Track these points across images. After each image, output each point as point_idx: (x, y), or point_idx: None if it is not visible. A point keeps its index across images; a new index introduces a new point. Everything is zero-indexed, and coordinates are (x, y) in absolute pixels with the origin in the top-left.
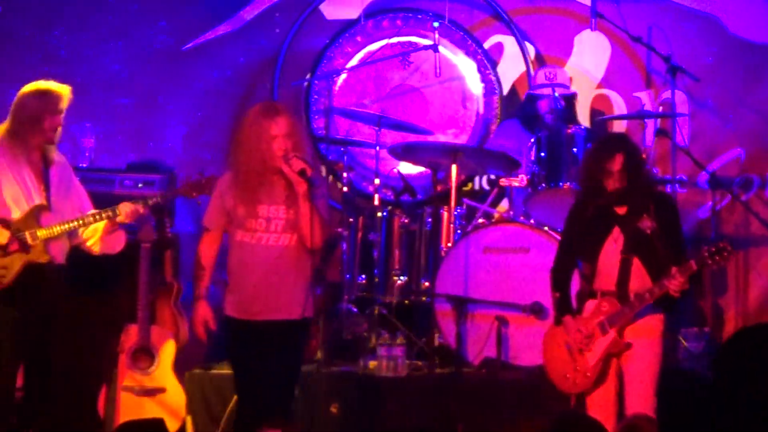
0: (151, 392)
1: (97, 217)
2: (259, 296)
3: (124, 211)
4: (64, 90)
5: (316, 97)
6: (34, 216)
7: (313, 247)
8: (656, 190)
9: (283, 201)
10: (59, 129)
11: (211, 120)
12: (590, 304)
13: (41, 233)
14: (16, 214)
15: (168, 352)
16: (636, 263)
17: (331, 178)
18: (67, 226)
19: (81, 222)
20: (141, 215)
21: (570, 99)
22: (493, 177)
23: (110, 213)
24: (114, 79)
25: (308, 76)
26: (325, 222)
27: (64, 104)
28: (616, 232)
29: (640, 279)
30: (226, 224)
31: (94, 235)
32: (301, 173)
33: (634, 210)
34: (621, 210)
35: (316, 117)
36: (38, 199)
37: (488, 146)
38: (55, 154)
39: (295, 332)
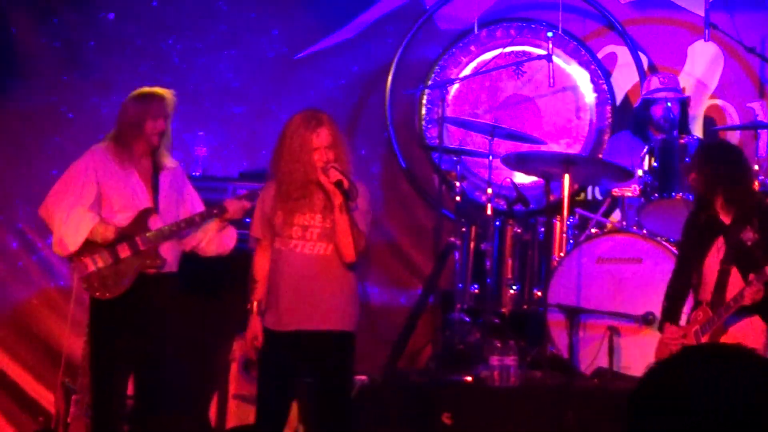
0: None
1: (204, 214)
2: (292, 305)
3: (230, 207)
4: (165, 94)
5: (429, 106)
6: (143, 220)
7: (347, 260)
8: (763, 201)
9: (320, 210)
10: (164, 133)
11: None
12: (694, 314)
13: (151, 235)
14: (125, 221)
15: None
16: (734, 274)
17: (444, 187)
18: (176, 226)
19: (189, 221)
20: (247, 210)
21: (684, 105)
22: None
23: (216, 210)
24: (226, 87)
25: (421, 86)
26: (361, 235)
27: (166, 108)
28: (720, 242)
29: (738, 289)
30: (272, 233)
31: (206, 236)
32: (338, 184)
33: (738, 221)
34: (726, 219)
35: (429, 126)
36: (146, 204)
37: (603, 157)
38: (168, 160)
39: (332, 344)
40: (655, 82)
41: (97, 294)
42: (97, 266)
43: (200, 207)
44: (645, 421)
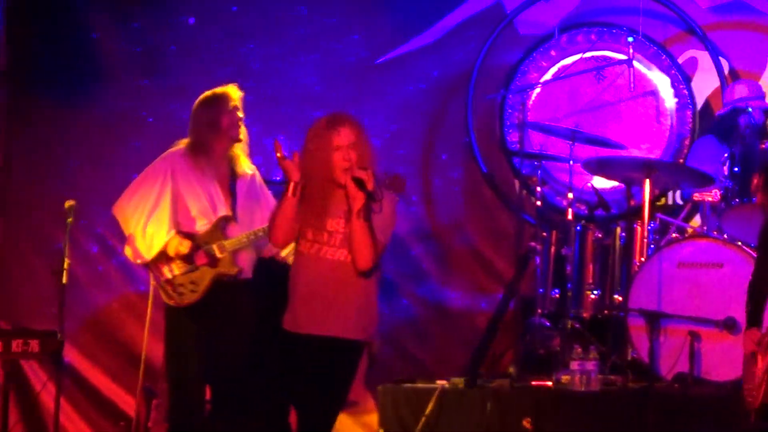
0: None
1: None
2: (308, 308)
3: None
4: (230, 89)
5: (510, 111)
6: (220, 228)
7: (361, 267)
8: None
9: (344, 215)
10: (242, 122)
11: (405, 133)
12: None
13: (228, 244)
14: (202, 228)
15: (360, 366)
16: None
17: (524, 192)
18: (253, 234)
19: (266, 230)
20: None
21: (767, 113)
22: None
23: None
24: (307, 92)
25: (502, 90)
26: (378, 243)
27: (236, 102)
28: None
29: None
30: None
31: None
32: (357, 181)
33: None
34: None
35: (510, 131)
36: (224, 211)
37: (683, 162)
38: (245, 166)
39: (342, 351)
40: (742, 90)
41: (172, 302)
42: (173, 274)
43: None
44: None
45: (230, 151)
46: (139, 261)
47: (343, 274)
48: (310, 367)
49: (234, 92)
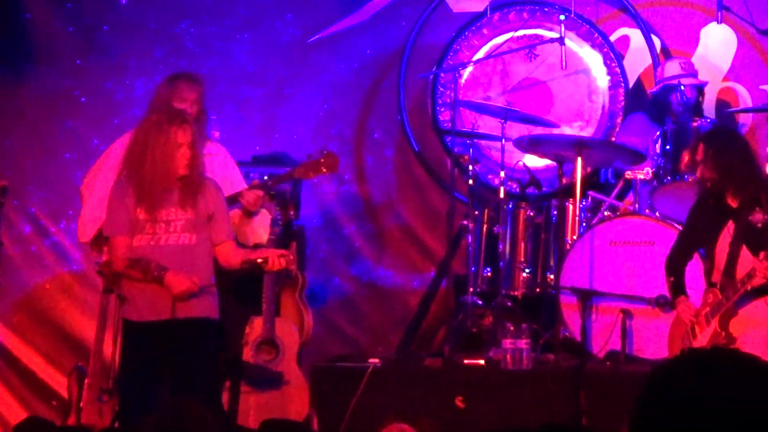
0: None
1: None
2: (161, 295)
3: (244, 198)
4: (193, 76)
5: (441, 89)
6: None
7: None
8: None
9: (180, 203)
10: (196, 119)
11: (339, 112)
12: (704, 297)
13: None
14: None
15: (292, 344)
16: (744, 255)
17: (457, 171)
18: None
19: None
20: (261, 198)
21: (700, 90)
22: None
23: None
24: (241, 71)
25: (434, 69)
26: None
27: (193, 92)
28: (730, 226)
29: (747, 271)
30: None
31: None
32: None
33: (747, 203)
34: (734, 203)
35: (442, 110)
36: None
37: (615, 140)
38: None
39: (200, 331)
40: (674, 67)
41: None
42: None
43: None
44: (648, 425)
45: None
46: (79, 240)
47: (191, 256)
48: (176, 352)
49: (197, 81)
